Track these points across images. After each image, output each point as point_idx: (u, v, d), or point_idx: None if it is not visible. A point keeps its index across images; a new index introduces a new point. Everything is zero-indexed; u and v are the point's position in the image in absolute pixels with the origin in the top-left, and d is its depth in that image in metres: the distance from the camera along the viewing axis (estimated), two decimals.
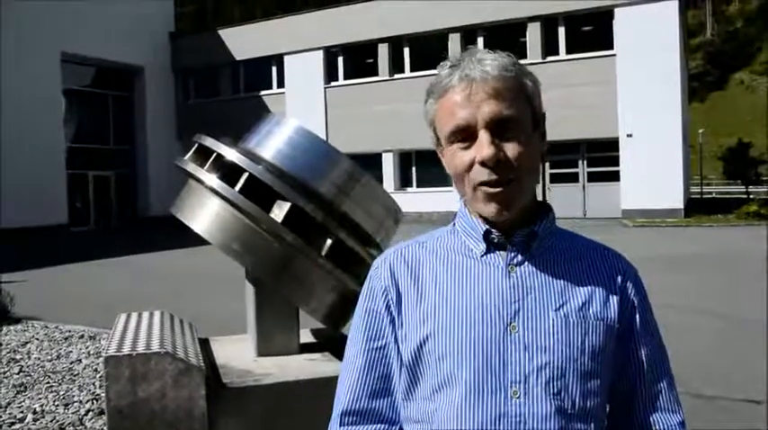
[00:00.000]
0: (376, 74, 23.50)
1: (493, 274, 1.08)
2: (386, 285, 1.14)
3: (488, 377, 1.02)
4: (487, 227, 1.10)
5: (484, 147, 1.02)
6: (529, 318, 1.04)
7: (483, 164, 1.02)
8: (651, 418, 1.10)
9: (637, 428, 1.11)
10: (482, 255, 1.10)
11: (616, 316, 1.08)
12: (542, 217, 1.12)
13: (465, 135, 1.04)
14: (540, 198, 1.16)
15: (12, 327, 6.79)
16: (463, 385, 1.02)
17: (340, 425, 1.13)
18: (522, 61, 1.09)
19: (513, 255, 1.09)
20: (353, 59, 24.15)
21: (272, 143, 2.39)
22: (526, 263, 1.08)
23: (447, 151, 1.09)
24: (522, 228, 1.09)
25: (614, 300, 1.09)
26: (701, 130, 35.95)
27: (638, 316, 1.12)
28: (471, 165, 1.04)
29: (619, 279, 1.12)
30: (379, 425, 1.12)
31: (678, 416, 1.11)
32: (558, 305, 1.06)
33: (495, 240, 1.09)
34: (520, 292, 1.06)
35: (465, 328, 1.05)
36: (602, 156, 20.11)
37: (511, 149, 1.03)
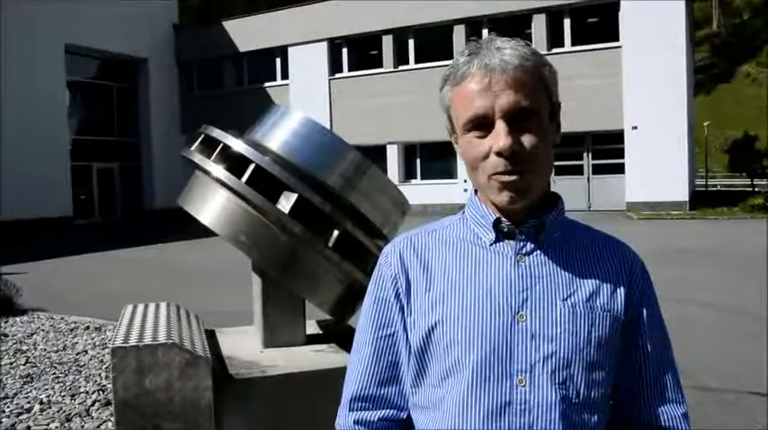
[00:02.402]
0: (380, 66, 23.41)
1: (502, 263, 1.08)
2: (395, 273, 1.15)
3: (495, 365, 1.03)
4: (498, 216, 1.10)
5: (501, 137, 1.01)
6: (536, 308, 1.05)
7: (499, 154, 1.02)
8: (655, 410, 1.11)
9: (641, 419, 1.12)
10: (491, 244, 1.11)
11: (623, 308, 1.09)
12: (552, 208, 1.12)
13: (482, 124, 1.04)
14: None
15: (17, 319, 6.82)
16: (470, 372, 1.04)
17: (349, 411, 1.16)
18: None
19: (522, 244, 1.09)
20: (358, 51, 24.07)
21: (279, 134, 2.38)
22: (535, 252, 1.09)
23: (462, 139, 1.09)
24: (531, 219, 1.09)
25: (621, 292, 1.10)
26: (706, 123, 35.71)
27: (644, 309, 1.12)
28: (487, 155, 1.04)
29: (626, 271, 1.12)
30: (387, 411, 1.15)
31: (682, 408, 1.12)
32: (565, 295, 1.06)
33: (505, 229, 1.10)
34: (528, 282, 1.07)
35: (473, 316, 1.05)
36: (606, 149, 20.04)
37: (527, 140, 1.03)
